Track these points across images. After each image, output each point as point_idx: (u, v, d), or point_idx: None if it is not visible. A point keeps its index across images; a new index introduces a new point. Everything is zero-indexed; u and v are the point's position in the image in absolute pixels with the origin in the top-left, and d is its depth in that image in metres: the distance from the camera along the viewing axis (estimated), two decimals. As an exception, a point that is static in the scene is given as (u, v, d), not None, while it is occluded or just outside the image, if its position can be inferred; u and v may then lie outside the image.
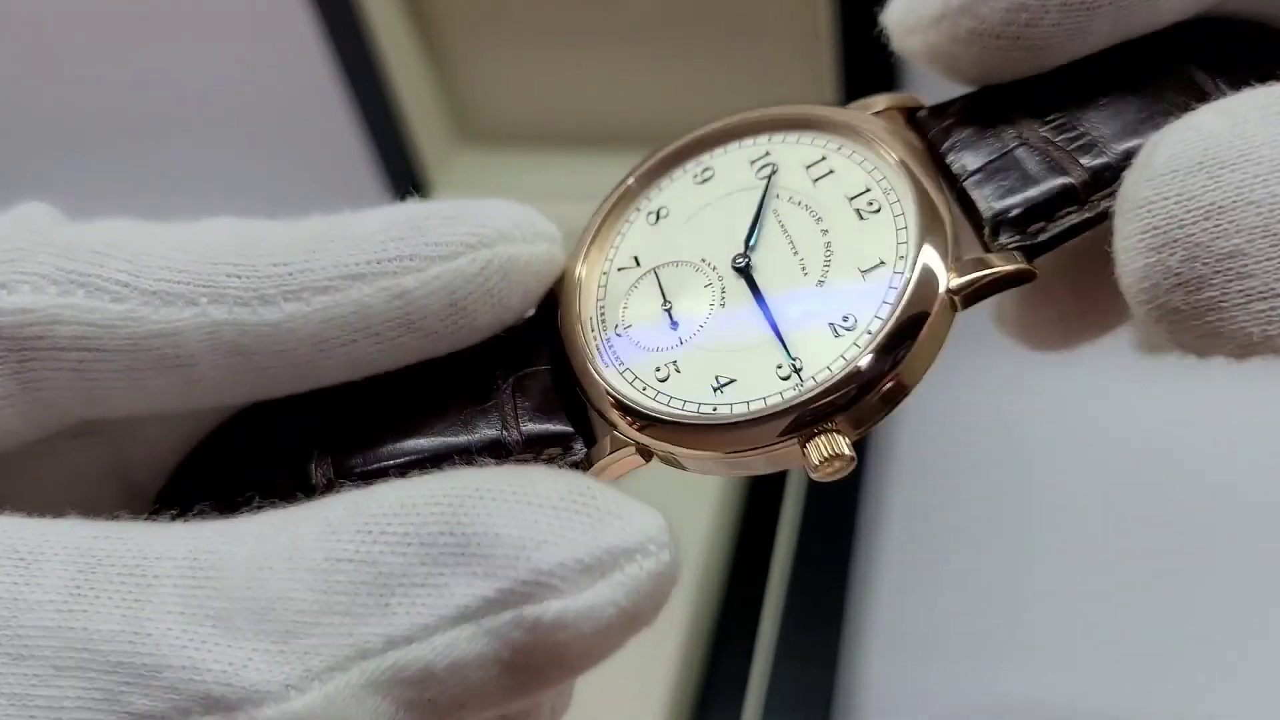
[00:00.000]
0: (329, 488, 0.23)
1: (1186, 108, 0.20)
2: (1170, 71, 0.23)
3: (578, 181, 0.77)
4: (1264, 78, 0.20)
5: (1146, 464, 0.64)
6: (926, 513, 0.64)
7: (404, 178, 0.79)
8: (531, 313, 0.26)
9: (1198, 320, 0.18)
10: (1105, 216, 0.21)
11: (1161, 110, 0.22)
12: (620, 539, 0.20)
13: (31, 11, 0.88)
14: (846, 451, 0.22)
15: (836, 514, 0.58)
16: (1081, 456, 0.65)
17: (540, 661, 0.20)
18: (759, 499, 0.59)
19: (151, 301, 0.22)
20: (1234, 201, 0.18)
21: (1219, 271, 0.18)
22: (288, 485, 0.24)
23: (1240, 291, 0.18)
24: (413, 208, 0.24)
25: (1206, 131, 0.18)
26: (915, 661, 0.59)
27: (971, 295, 0.22)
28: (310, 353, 0.23)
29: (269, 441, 0.25)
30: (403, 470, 0.23)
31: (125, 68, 0.89)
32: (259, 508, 0.22)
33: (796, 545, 0.57)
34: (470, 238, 0.23)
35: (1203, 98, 0.22)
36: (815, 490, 0.59)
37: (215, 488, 0.25)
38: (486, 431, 0.23)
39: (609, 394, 0.24)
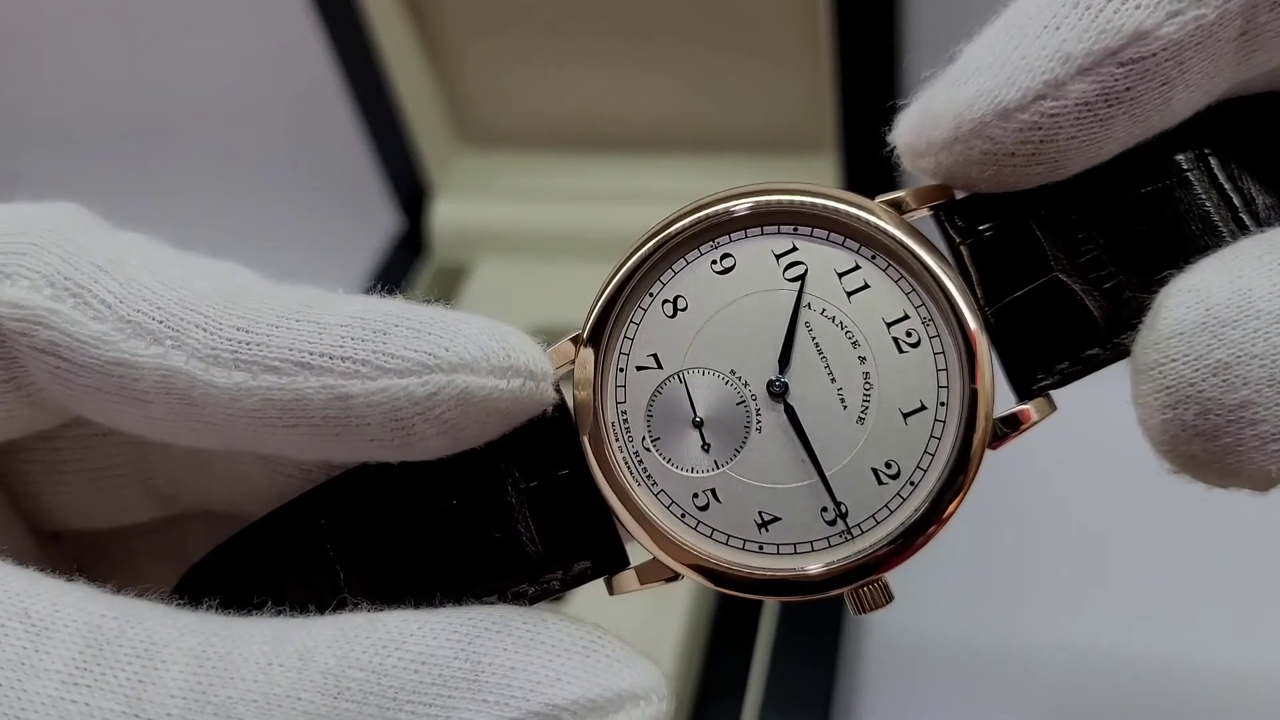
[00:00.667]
0: (343, 606, 0.24)
1: (1203, 234, 0.21)
2: (1186, 183, 0.23)
3: (577, 183, 0.77)
4: None
5: (1141, 456, 0.64)
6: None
7: (405, 179, 0.79)
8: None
9: (1218, 464, 0.20)
10: (1125, 353, 0.22)
11: (1179, 239, 0.22)
12: (628, 685, 0.21)
13: (32, 12, 0.88)
14: (886, 601, 0.23)
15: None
16: (1080, 451, 0.65)
17: None
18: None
19: (124, 329, 0.22)
20: (1239, 357, 0.19)
21: (1232, 421, 0.19)
22: (304, 597, 0.24)
23: (1254, 436, 0.19)
24: (390, 307, 0.23)
25: (1205, 291, 0.19)
26: (914, 661, 0.59)
27: (1004, 441, 0.23)
28: (252, 423, 0.22)
29: (292, 551, 0.25)
30: (419, 596, 0.23)
31: (127, 69, 0.90)
32: (276, 613, 0.22)
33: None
34: (428, 359, 0.22)
35: (1221, 212, 0.22)
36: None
37: (231, 588, 0.25)
38: (514, 573, 0.23)
39: (648, 521, 0.23)
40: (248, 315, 0.23)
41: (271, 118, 0.89)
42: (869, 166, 0.67)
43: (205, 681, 0.20)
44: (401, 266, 0.78)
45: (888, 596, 0.23)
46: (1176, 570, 0.59)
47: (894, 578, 0.65)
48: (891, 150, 0.24)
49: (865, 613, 0.23)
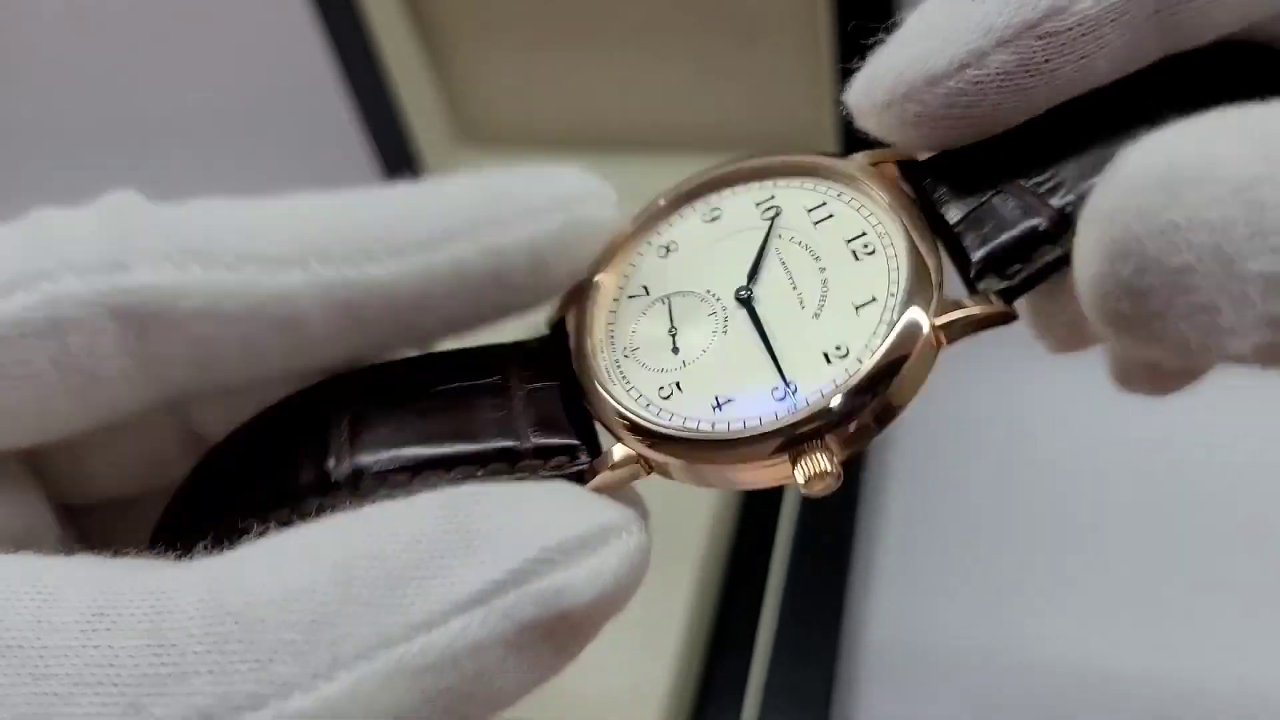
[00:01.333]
0: (348, 483, 0.24)
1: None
2: (1138, 109, 0.24)
3: (577, 183, 0.77)
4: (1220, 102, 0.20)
5: (1141, 456, 0.64)
6: (923, 515, 0.64)
7: (404, 179, 0.79)
8: (546, 332, 0.29)
9: (1144, 327, 0.19)
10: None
11: (1125, 143, 0.22)
12: (607, 519, 0.22)
13: (32, 12, 0.88)
14: (830, 468, 0.23)
15: (835, 517, 0.58)
16: (1079, 451, 0.65)
17: (550, 634, 0.21)
18: (758, 501, 0.59)
19: (267, 268, 0.23)
20: (1190, 221, 0.18)
21: (1166, 284, 0.18)
22: (307, 482, 0.25)
23: (1185, 304, 0.18)
24: (496, 174, 0.26)
25: (1173, 149, 0.19)
26: (914, 662, 0.59)
27: (954, 333, 0.24)
28: (412, 308, 0.24)
29: (284, 443, 0.26)
30: (417, 470, 0.24)
31: (127, 70, 0.90)
32: (262, 532, 0.22)
33: (794, 548, 0.57)
34: (552, 201, 0.25)
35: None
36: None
37: (218, 509, 0.26)
38: (500, 441, 0.25)
39: (617, 410, 0.25)
40: (378, 213, 0.24)
41: (270, 117, 0.89)
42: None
43: (220, 596, 0.20)
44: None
45: (836, 472, 0.23)
46: (1179, 575, 0.59)
47: (893, 575, 0.65)
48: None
49: (813, 490, 0.23)
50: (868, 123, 0.25)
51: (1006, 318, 0.24)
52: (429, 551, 0.21)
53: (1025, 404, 0.68)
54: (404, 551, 0.21)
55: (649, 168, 0.76)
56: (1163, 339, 0.19)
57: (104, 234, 0.23)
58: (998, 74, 0.22)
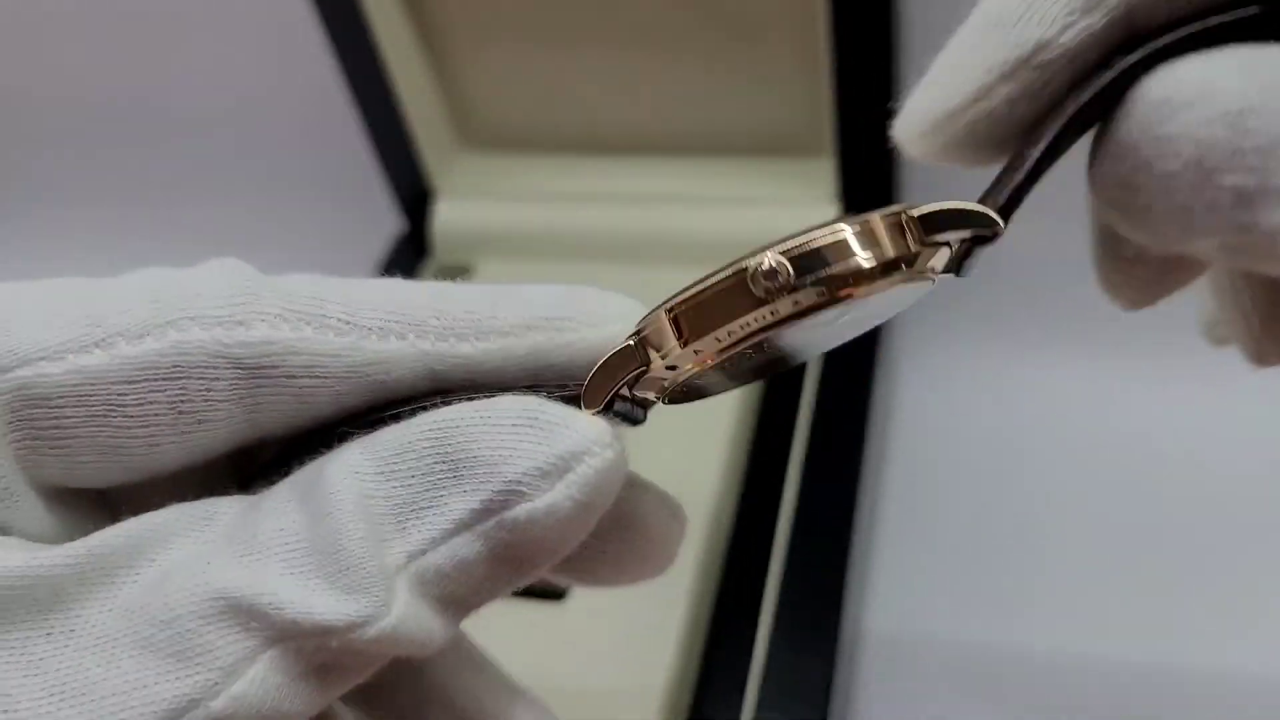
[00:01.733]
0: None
1: None
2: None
3: (578, 185, 0.78)
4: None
5: (1139, 452, 0.64)
6: (922, 511, 0.65)
7: (406, 180, 0.80)
8: None
9: (1131, 217, 0.24)
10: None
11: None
12: (568, 445, 0.24)
13: (32, 11, 0.89)
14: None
15: (834, 512, 0.59)
16: (1077, 448, 0.65)
17: (522, 554, 0.25)
18: (757, 496, 0.60)
19: (369, 336, 0.26)
20: (1180, 135, 0.23)
21: (1153, 186, 0.23)
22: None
23: (1166, 205, 0.23)
24: (565, 288, 0.29)
25: (1179, 76, 0.23)
26: (914, 661, 0.59)
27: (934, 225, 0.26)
28: (487, 380, 0.27)
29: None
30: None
31: (128, 70, 0.90)
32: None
33: (793, 543, 0.57)
34: (615, 319, 0.28)
35: None
36: (812, 482, 0.60)
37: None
38: None
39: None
40: (466, 302, 0.27)
41: (273, 119, 0.89)
42: (866, 169, 0.68)
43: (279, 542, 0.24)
44: (403, 268, 0.78)
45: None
46: (1179, 573, 0.60)
47: (892, 570, 0.65)
48: (891, 149, 0.29)
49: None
50: (913, 153, 0.28)
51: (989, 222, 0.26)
52: (424, 485, 0.25)
53: (1023, 401, 0.68)
54: (403, 488, 0.25)
55: (650, 170, 0.77)
56: (1145, 228, 0.24)
57: (225, 292, 0.26)
58: (1005, 101, 0.26)
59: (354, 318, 0.27)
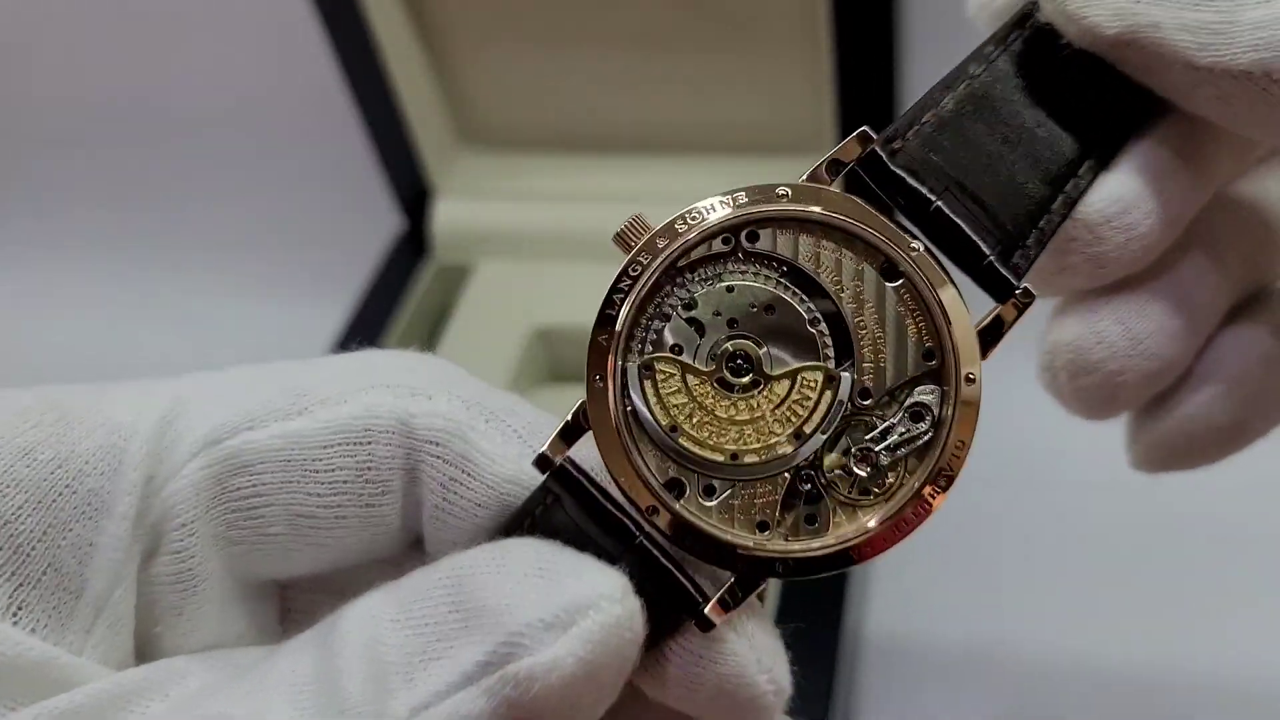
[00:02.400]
0: None
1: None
2: None
3: (578, 184, 0.78)
4: None
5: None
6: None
7: (406, 179, 0.79)
8: None
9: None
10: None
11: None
12: (574, 597, 0.24)
13: (33, 12, 0.89)
14: None
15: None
16: (1076, 452, 0.65)
17: (527, 714, 0.23)
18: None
19: (529, 455, 0.27)
20: None
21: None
22: None
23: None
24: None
25: None
26: (913, 662, 0.59)
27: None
28: None
29: None
30: None
31: (128, 69, 0.90)
32: None
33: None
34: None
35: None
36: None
37: None
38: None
39: None
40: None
41: (273, 118, 0.89)
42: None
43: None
44: (403, 267, 0.78)
45: None
46: (1177, 573, 0.59)
47: (893, 573, 0.65)
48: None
49: None
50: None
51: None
52: (435, 634, 0.24)
53: (1022, 406, 0.68)
54: (416, 636, 0.24)
55: (650, 168, 0.76)
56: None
57: (426, 371, 0.28)
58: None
59: (532, 436, 0.27)
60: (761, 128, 0.73)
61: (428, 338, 0.76)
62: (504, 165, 0.80)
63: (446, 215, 0.79)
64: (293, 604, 0.30)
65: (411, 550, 0.29)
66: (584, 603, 0.23)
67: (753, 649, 0.27)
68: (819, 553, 0.27)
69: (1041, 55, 0.31)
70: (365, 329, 0.74)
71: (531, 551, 0.25)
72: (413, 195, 0.80)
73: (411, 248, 0.80)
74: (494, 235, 0.78)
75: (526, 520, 0.27)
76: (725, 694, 0.27)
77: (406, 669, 0.24)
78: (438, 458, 0.27)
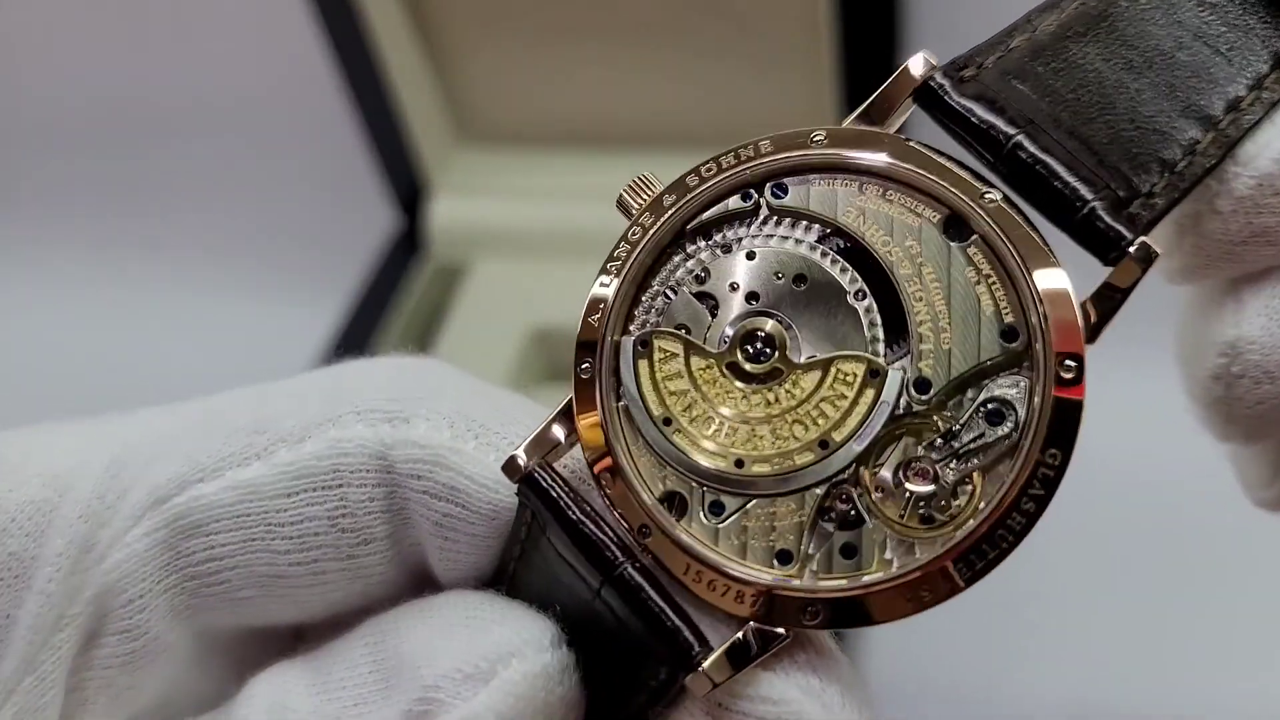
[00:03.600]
0: None
1: None
2: None
3: (576, 181, 0.77)
4: None
5: (1139, 487, 0.64)
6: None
7: (403, 177, 0.79)
8: None
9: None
10: None
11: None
12: (496, 644, 0.21)
13: (30, 11, 0.88)
14: None
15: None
16: (1077, 482, 0.64)
17: None
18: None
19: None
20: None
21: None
22: None
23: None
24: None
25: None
26: (912, 694, 0.59)
27: None
28: None
29: None
30: None
31: (125, 69, 0.89)
32: None
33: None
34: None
35: None
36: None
37: None
38: None
39: None
40: None
41: (269, 116, 0.89)
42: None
43: None
44: (399, 265, 0.78)
45: None
46: (1177, 614, 0.59)
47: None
48: None
49: None
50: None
51: None
52: (353, 698, 0.21)
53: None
54: (331, 701, 0.22)
55: (649, 166, 0.75)
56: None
57: (401, 388, 0.23)
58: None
59: (505, 431, 0.23)
60: (762, 125, 0.72)
61: (424, 338, 0.75)
62: (502, 162, 0.79)
63: (443, 213, 0.78)
64: (307, 635, 0.27)
65: (429, 580, 0.25)
66: (507, 650, 0.21)
67: (826, 710, 0.21)
68: (857, 593, 0.21)
69: None
70: (360, 328, 0.73)
71: (460, 601, 0.22)
72: (409, 193, 0.79)
73: (408, 245, 0.79)
74: (491, 233, 0.77)
75: (516, 548, 0.23)
76: None
77: None
78: (424, 493, 0.23)
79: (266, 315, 0.83)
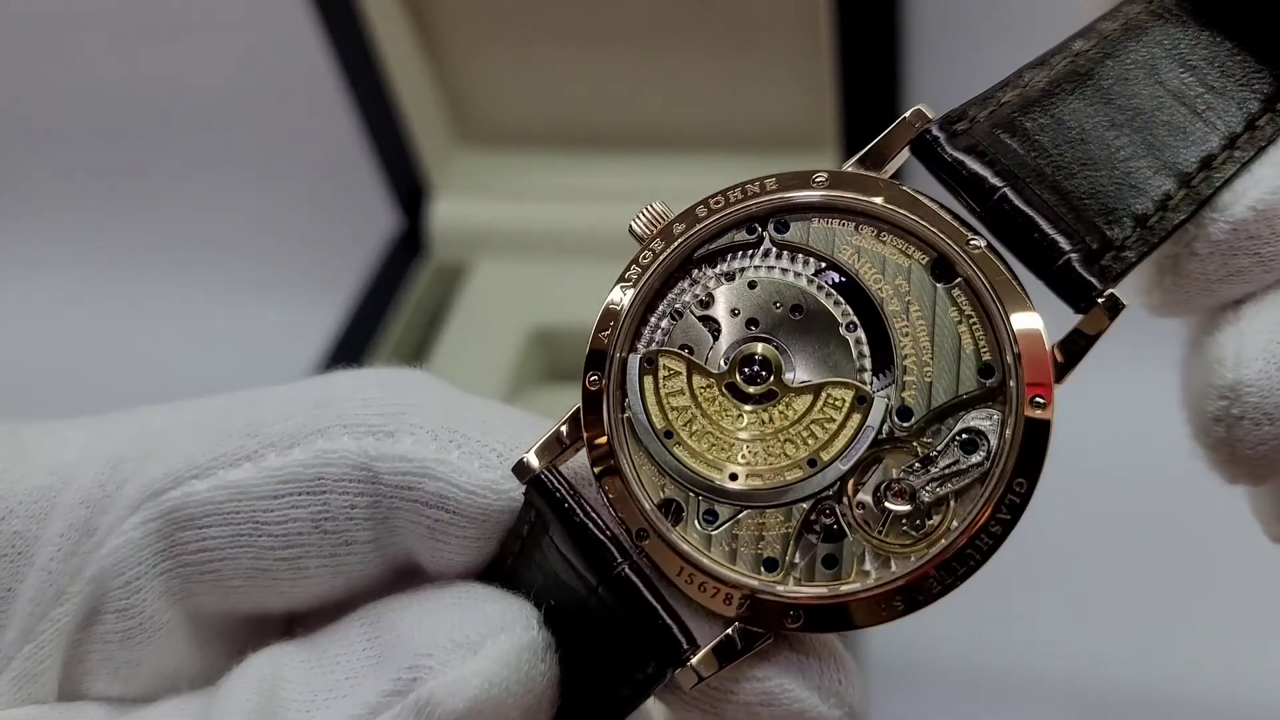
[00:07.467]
0: None
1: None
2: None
3: (576, 182, 0.77)
4: None
5: (1139, 470, 0.63)
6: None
7: (404, 177, 0.79)
8: None
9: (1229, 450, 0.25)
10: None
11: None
12: (486, 618, 0.23)
13: (30, 10, 0.88)
14: None
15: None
16: (1078, 466, 0.64)
17: None
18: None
19: (514, 477, 0.24)
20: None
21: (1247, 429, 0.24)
22: None
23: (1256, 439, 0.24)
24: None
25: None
26: (915, 672, 0.59)
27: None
28: None
29: None
30: None
31: (126, 68, 0.89)
32: None
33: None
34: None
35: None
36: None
37: None
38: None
39: None
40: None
41: (270, 116, 0.89)
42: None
43: None
44: (400, 265, 0.78)
45: None
46: (1181, 590, 0.59)
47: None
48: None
49: None
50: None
51: None
52: (346, 671, 0.23)
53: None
54: (328, 674, 0.23)
55: (649, 167, 0.76)
56: (1234, 464, 0.25)
57: (385, 402, 0.25)
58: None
59: (512, 452, 0.24)
60: (762, 125, 0.73)
61: (424, 338, 0.75)
62: (503, 163, 0.79)
63: (444, 213, 0.78)
64: (304, 621, 0.29)
65: (413, 575, 0.27)
66: (497, 625, 0.23)
67: (809, 681, 0.23)
68: (835, 601, 0.23)
69: (1173, 25, 0.26)
70: (361, 328, 0.73)
71: (453, 586, 0.24)
72: (410, 193, 0.80)
73: (409, 246, 0.80)
74: (492, 234, 0.78)
75: (516, 544, 0.25)
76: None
77: (307, 706, 0.23)
78: (415, 502, 0.24)
79: (268, 315, 0.83)
